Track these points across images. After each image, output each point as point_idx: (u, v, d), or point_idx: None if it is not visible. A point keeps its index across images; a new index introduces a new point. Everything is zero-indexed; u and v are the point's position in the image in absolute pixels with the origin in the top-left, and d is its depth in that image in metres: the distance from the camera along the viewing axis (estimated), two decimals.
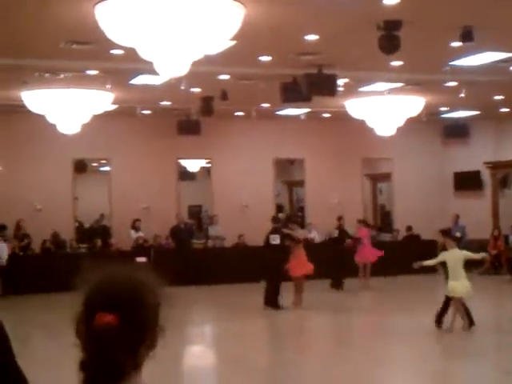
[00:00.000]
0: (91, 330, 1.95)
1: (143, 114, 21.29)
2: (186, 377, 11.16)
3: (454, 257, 12.93)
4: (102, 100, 16.70)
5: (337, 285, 19.70)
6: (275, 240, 16.83)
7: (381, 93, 17.89)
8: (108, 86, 16.09)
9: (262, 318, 15.97)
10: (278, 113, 22.40)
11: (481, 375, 10.47)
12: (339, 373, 10.80)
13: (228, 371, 11.02)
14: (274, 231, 17.06)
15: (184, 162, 25.13)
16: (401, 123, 18.38)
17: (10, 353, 2.47)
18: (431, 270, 13.65)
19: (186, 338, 14.49)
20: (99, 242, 22.40)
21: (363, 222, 21.36)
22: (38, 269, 20.06)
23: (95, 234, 23.25)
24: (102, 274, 2.06)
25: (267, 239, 16.94)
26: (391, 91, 17.88)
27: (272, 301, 16.55)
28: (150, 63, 10.83)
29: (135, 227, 22.17)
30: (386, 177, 26.53)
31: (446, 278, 13.25)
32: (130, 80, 16.51)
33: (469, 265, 21.68)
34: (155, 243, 22.31)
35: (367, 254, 20.20)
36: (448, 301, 13.14)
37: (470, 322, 13.07)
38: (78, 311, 2.02)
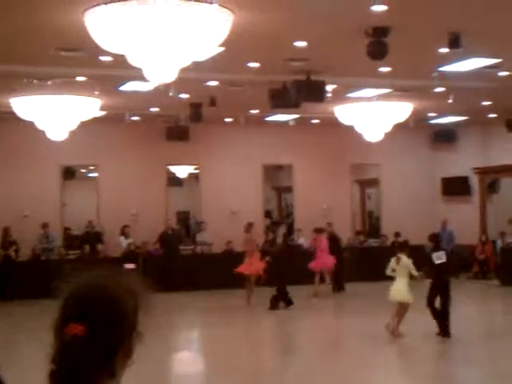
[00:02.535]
0: (60, 339, 1.92)
1: (132, 120, 21.27)
2: (174, 383, 11.15)
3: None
4: (91, 106, 16.66)
5: (339, 288, 20.03)
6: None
7: (369, 99, 17.94)
8: (96, 93, 16.09)
9: (250, 322, 15.97)
10: (266, 119, 22.42)
11: (470, 379, 10.52)
12: (328, 375, 10.82)
13: (216, 376, 11.01)
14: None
15: (172, 168, 25.11)
16: (389, 129, 18.43)
17: None
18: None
19: (174, 344, 14.50)
20: (87, 249, 22.34)
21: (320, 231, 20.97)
22: (27, 275, 20.00)
23: (85, 239, 23.16)
24: (78, 281, 2.01)
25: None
26: (379, 97, 17.93)
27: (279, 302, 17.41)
28: (139, 70, 10.82)
29: (124, 233, 22.13)
30: (375, 182, 26.58)
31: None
32: (119, 86, 16.50)
33: (458, 270, 21.97)
34: (143, 249, 22.27)
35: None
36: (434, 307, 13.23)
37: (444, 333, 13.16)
38: (54, 320, 1.98)
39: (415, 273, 13.16)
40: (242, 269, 18.43)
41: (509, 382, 10.21)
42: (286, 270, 17.57)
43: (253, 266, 18.38)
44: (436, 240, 13.94)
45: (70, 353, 1.90)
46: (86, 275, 2.03)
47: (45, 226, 21.43)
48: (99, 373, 1.93)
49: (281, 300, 17.51)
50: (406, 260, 13.25)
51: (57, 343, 1.94)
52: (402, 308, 13.22)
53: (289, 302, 17.55)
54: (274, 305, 17.41)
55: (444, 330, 13.18)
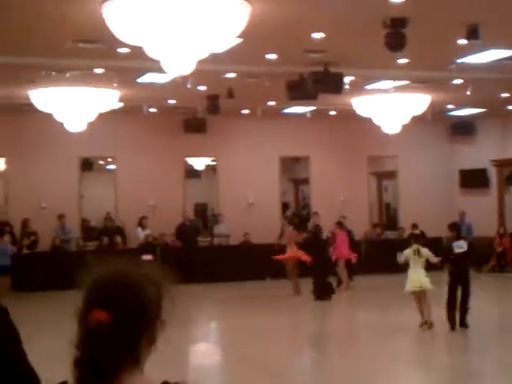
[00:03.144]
0: (85, 327, 1.94)
1: (149, 112, 21.32)
2: (193, 374, 11.19)
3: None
4: (109, 98, 16.74)
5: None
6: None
7: (387, 91, 17.89)
8: (114, 85, 16.14)
9: (268, 314, 15.99)
10: (283, 111, 22.40)
11: (485, 371, 10.50)
12: (343, 366, 10.84)
13: (235, 368, 11.05)
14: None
15: (190, 160, 25.16)
16: (406, 121, 18.38)
17: (19, 342, 2.40)
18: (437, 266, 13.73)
19: (193, 336, 14.55)
20: (106, 240, 22.43)
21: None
22: (46, 266, 20.13)
23: (104, 231, 23.26)
24: (101, 270, 2.04)
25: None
26: (397, 89, 17.88)
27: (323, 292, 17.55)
28: (157, 61, 10.86)
29: (142, 225, 22.18)
30: (392, 175, 26.52)
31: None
32: (137, 78, 16.53)
33: (480, 262, 21.91)
34: (161, 241, 22.34)
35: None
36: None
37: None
38: (78, 308, 2.01)
39: (435, 259, 13.19)
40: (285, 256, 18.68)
41: None
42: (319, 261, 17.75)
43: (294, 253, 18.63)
44: (456, 229, 13.82)
45: (96, 339, 1.92)
46: (107, 264, 2.06)
47: (61, 217, 21.53)
48: (124, 359, 1.95)
49: (320, 290, 17.60)
50: (425, 250, 13.25)
51: (81, 331, 1.96)
52: (424, 296, 13.21)
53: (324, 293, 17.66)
54: (318, 295, 17.55)
55: (462, 321, 13.15)
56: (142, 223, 22.16)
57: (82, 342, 1.94)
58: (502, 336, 13.44)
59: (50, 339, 12.72)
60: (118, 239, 22.25)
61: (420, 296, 13.24)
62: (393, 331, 13.53)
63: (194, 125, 22.00)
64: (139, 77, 16.39)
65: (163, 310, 2.04)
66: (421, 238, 13.89)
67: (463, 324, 13.12)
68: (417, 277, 13.20)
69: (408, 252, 13.34)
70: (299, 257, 18.47)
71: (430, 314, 13.14)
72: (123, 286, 2.00)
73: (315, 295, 17.56)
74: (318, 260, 17.70)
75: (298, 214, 27.78)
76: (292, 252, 18.64)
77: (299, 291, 18.37)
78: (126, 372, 1.95)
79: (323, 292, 17.61)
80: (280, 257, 18.78)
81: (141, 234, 22.05)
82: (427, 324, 13.13)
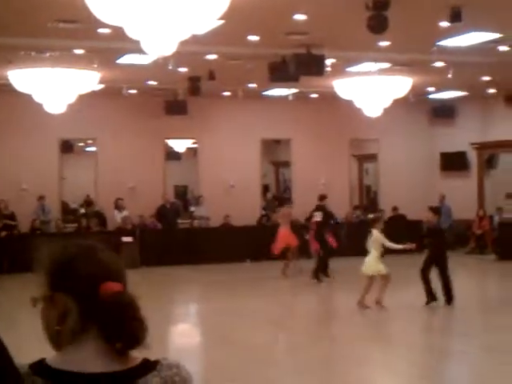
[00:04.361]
0: (102, 300, 1.93)
1: (130, 93, 21.20)
2: (172, 356, 11.19)
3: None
4: (89, 79, 16.59)
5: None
6: (317, 217, 18.02)
7: (368, 73, 17.87)
8: (95, 66, 16.01)
9: (247, 296, 16.01)
10: (265, 93, 22.35)
11: (464, 351, 10.58)
12: (329, 348, 10.88)
13: (215, 349, 11.06)
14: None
15: (171, 142, 25.07)
16: (388, 103, 18.38)
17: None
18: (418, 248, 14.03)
19: (172, 317, 14.55)
20: (84, 222, 22.33)
21: None
22: (25, 248, 20.00)
23: (85, 214, 23.18)
24: (77, 247, 2.07)
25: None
26: (379, 72, 17.86)
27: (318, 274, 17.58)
28: (137, 42, 10.75)
29: (118, 207, 22.06)
30: (373, 157, 26.56)
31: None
32: (117, 59, 16.42)
33: (455, 244, 22.14)
34: (139, 223, 22.25)
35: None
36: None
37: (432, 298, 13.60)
38: (49, 289, 2.03)
39: (389, 244, 13.58)
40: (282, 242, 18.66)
41: (502, 354, 10.29)
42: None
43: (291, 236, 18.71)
44: (440, 212, 14.45)
45: (124, 308, 1.94)
46: (71, 243, 2.10)
47: (41, 198, 21.42)
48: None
49: (320, 272, 17.62)
50: (376, 234, 13.61)
51: (90, 303, 1.95)
52: (383, 280, 13.58)
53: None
54: (316, 276, 17.56)
55: (448, 297, 13.53)
56: (118, 205, 22.04)
57: (101, 315, 1.93)
58: (483, 317, 13.56)
59: (32, 319, 12.71)
60: (95, 222, 22.06)
61: (368, 279, 13.67)
62: (370, 313, 13.59)
63: (175, 107, 21.90)
64: (120, 58, 16.27)
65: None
66: (376, 223, 14.15)
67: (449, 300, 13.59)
68: (367, 260, 13.69)
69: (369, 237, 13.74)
70: (290, 242, 18.57)
71: (380, 296, 13.56)
72: (115, 259, 2.06)
73: (314, 275, 17.56)
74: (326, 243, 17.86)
75: (277, 197, 27.83)
76: (285, 238, 18.60)
77: (287, 274, 18.37)
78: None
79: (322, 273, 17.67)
80: (278, 248, 18.64)
81: (117, 216, 21.95)
82: (358, 302, 13.65)
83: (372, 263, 13.55)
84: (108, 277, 1.98)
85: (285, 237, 18.58)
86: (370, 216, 17.97)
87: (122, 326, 1.92)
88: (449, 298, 13.62)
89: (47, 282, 2.05)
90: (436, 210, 14.24)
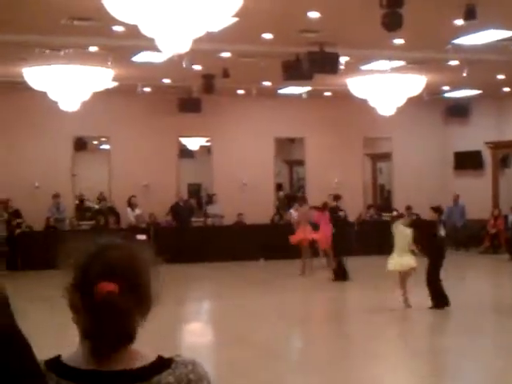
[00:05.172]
0: (93, 299, 1.94)
1: (144, 91, 21.22)
2: (185, 353, 11.20)
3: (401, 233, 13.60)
4: (103, 77, 16.62)
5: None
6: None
7: (382, 71, 17.82)
8: (109, 63, 16.04)
9: (261, 294, 16.01)
10: (279, 91, 22.33)
11: (475, 352, 10.55)
12: (341, 346, 10.88)
13: (226, 346, 11.06)
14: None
15: (184, 140, 25.09)
16: (402, 102, 18.32)
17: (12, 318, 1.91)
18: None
19: (185, 315, 14.56)
20: (102, 221, 22.37)
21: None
22: (40, 246, 20.07)
23: (101, 212, 23.20)
24: (96, 245, 2.06)
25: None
26: (393, 70, 17.81)
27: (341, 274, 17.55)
28: (152, 40, 10.77)
29: (131, 205, 22.07)
30: (387, 156, 26.50)
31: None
32: (132, 57, 16.45)
33: (468, 244, 22.09)
34: (151, 221, 22.27)
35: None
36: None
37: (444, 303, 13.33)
38: (70, 284, 2.02)
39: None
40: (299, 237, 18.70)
41: None
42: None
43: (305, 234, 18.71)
44: (441, 211, 14.33)
45: (109, 309, 1.93)
46: (100, 240, 2.09)
47: (56, 196, 21.47)
48: (136, 322, 1.99)
49: (339, 272, 17.61)
50: (403, 228, 13.61)
51: (83, 304, 1.97)
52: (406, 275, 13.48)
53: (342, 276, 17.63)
54: (337, 276, 17.54)
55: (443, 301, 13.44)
56: (131, 203, 22.06)
57: (91, 314, 1.94)
58: (497, 317, 13.50)
59: (44, 314, 12.76)
60: (112, 219, 22.16)
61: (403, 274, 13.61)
62: (386, 312, 13.55)
63: (189, 104, 21.91)
64: (134, 55, 16.30)
65: (154, 285, 2.06)
66: (400, 218, 14.36)
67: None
68: (395, 256, 13.67)
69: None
70: (311, 237, 18.63)
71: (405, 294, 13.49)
72: (125, 258, 2.03)
73: (336, 276, 17.56)
74: (340, 241, 17.75)
75: (289, 196, 27.78)
76: (304, 231, 18.67)
77: (304, 272, 18.42)
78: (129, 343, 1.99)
79: (343, 274, 17.61)
80: (296, 239, 18.74)
81: (131, 214, 21.96)
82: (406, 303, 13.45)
83: (404, 259, 13.43)
84: (108, 276, 1.97)
85: (304, 231, 18.69)
86: (394, 213, 17.83)
87: (100, 325, 1.93)
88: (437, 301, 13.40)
89: (71, 275, 2.05)
90: (436, 209, 14.19)
